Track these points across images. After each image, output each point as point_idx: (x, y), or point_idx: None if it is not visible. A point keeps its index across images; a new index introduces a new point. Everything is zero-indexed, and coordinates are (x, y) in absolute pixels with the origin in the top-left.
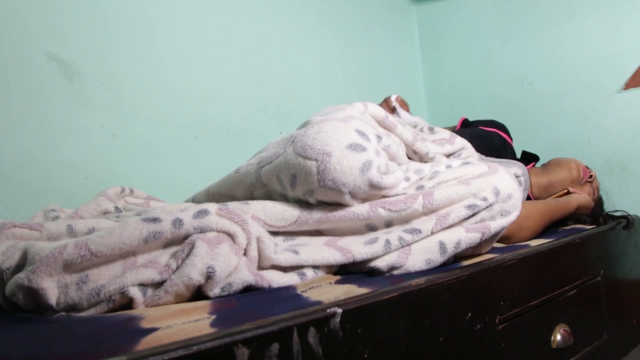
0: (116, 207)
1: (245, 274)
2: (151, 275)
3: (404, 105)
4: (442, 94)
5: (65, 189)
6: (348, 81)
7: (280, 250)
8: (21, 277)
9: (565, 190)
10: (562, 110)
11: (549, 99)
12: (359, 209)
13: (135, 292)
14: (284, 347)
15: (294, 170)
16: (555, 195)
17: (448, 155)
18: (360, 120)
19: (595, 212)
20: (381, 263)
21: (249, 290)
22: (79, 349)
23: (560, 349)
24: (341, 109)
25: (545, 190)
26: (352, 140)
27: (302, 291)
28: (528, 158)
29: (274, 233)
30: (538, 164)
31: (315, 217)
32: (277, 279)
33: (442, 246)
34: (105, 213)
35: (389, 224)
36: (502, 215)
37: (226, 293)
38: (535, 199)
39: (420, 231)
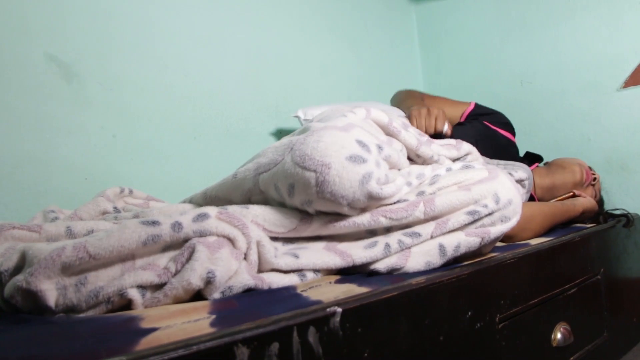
0: (115, 208)
1: (245, 278)
2: (150, 277)
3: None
4: (441, 93)
5: (65, 190)
6: (347, 81)
7: (280, 254)
8: (20, 279)
9: (571, 193)
10: (562, 108)
11: (549, 97)
12: (360, 219)
13: (134, 294)
14: (284, 346)
15: (292, 180)
16: (560, 198)
17: (453, 160)
18: (362, 128)
19: (596, 211)
20: (381, 266)
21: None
22: (79, 349)
23: (561, 347)
24: (342, 115)
25: (549, 192)
26: (352, 151)
27: (302, 291)
28: (531, 158)
29: (273, 238)
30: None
31: (315, 226)
32: (277, 281)
33: (441, 249)
34: (104, 213)
35: (388, 229)
36: (502, 221)
37: (226, 296)
38: (538, 199)
39: (420, 235)
